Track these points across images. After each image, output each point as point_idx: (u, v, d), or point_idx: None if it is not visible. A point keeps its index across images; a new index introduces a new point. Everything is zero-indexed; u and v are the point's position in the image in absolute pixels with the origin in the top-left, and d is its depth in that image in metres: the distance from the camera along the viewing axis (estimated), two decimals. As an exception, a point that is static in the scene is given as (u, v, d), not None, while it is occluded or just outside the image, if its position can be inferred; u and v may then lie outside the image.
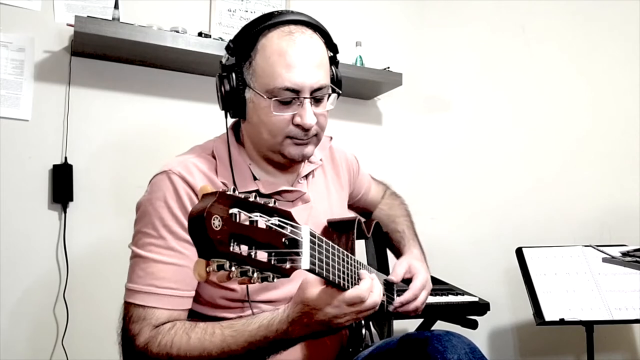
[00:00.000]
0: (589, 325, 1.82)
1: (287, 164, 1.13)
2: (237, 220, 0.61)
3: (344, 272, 0.86)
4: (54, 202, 1.80)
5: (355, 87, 2.20)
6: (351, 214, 1.28)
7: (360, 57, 2.19)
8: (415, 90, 2.46)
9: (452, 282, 2.15)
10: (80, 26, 1.67)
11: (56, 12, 1.83)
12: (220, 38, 1.89)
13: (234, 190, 0.62)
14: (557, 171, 2.31)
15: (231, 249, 0.59)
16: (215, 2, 2.09)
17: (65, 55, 1.84)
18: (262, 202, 0.66)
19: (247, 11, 2.15)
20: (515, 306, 2.29)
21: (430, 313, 1.89)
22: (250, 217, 0.63)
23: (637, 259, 1.27)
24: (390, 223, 1.43)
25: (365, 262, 1.08)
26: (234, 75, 1.06)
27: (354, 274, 0.90)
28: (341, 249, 0.87)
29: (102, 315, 1.79)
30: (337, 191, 1.30)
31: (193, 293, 1.04)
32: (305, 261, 0.71)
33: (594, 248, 1.89)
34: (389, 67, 2.22)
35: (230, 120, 1.15)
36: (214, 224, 0.57)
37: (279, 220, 0.67)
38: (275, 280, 0.66)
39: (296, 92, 1.02)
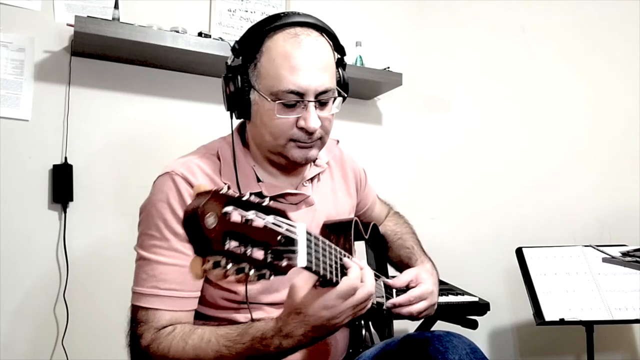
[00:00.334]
0: (589, 325, 1.82)
1: (289, 167, 1.12)
2: (232, 218, 0.61)
3: (341, 272, 0.86)
4: (54, 202, 1.79)
5: (355, 87, 2.18)
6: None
7: (360, 57, 2.19)
8: (415, 90, 2.46)
9: (452, 282, 2.15)
10: (80, 26, 1.67)
11: (56, 12, 1.83)
12: (220, 38, 1.89)
13: (228, 188, 0.63)
14: (557, 171, 2.31)
15: (226, 246, 0.59)
16: (215, 2, 2.09)
17: (65, 55, 1.84)
18: (257, 201, 0.66)
19: (247, 11, 2.15)
20: (515, 306, 2.29)
21: (431, 313, 1.89)
22: (245, 215, 0.63)
23: (637, 259, 1.27)
24: (397, 240, 1.42)
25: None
26: (239, 76, 1.05)
27: None
28: (338, 248, 0.86)
29: (102, 315, 1.79)
30: (344, 197, 1.29)
31: (198, 294, 1.04)
32: (301, 259, 0.71)
33: (594, 248, 1.89)
34: (389, 67, 2.22)
35: (236, 122, 1.15)
36: (208, 221, 0.58)
37: (274, 219, 0.67)
38: (272, 277, 0.65)
39: (300, 95, 1.01)
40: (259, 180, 1.11)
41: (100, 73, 1.89)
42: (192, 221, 0.58)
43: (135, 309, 1.02)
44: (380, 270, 1.31)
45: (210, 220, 0.58)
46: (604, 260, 1.37)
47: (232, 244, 0.60)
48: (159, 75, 1.98)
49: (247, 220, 0.63)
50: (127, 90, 1.93)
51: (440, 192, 2.47)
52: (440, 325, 1.97)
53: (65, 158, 1.81)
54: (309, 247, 0.74)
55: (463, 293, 2.01)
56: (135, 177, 1.88)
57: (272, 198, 1.08)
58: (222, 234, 0.59)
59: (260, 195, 1.08)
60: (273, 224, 0.66)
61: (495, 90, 2.44)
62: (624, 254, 1.31)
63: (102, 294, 1.81)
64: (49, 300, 1.77)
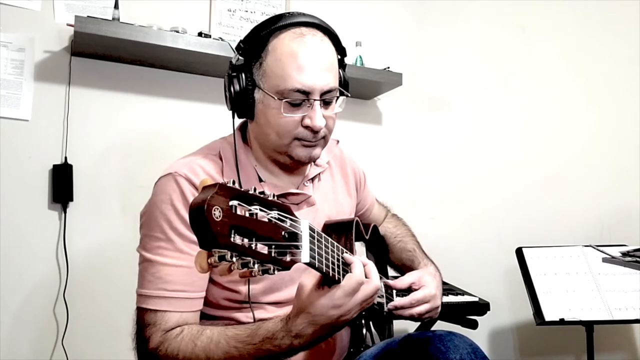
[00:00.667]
0: (589, 325, 1.82)
1: (293, 166, 1.13)
2: (237, 212, 0.61)
3: (343, 269, 0.86)
4: (54, 202, 1.79)
5: (355, 87, 2.17)
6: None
7: (360, 57, 2.19)
8: (415, 90, 2.46)
9: (452, 282, 2.15)
10: (80, 26, 1.67)
11: (56, 12, 1.83)
12: (220, 38, 1.89)
13: (234, 183, 0.63)
14: (557, 171, 2.31)
15: (232, 239, 0.59)
16: (215, 2, 2.09)
17: (65, 55, 1.84)
18: (262, 196, 0.66)
19: (247, 11, 2.15)
20: (515, 306, 2.29)
21: (431, 313, 1.89)
22: (250, 209, 0.63)
23: (637, 259, 1.27)
24: (397, 242, 1.42)
25: None
26: (243, 75, 1.05)
27: None
28: (340, 245, 0.86)
29: (102, 315, 1.79)
30: (344, 197, 1.29)
31: (203, 294, 1.04)
32: (305, 254, 0.71)
33: (594, 248, 1.89)
34: (389, 67, 2.22)
35: (238, 121, 1.15)
36: (214, 214, 0.58)
37: (278, 214, 0.67)
38: (275, 272, 0.66)
39: (306, 94, 1.02)
40: (260, 180, 1.11)
41: (100, 73, 1.89)
42: (198, 214, 0.58)
43: (141, 312, 1.01)
44: (380, 271, 1.31)
45: (217, 214, 0.58)
46: (604, 260, 1.37)
47: (237, 238, 0.60)
48: (159, 75, 1.98)
49: (252, 214, 0.63)
50: (127, 90, 1.93)
51: (440, 192, 2.47)
52: (440, 325, 1.97)
53: (65, 158, 1.81)
54: (312, 243, 0.74)
55: (463, 293, 2.01)
56: (136, 177, 1.88)
57: (274, 196, 1.09)
58: (229, 228, 0.59)
59: (262, 193, 1.08)
60: (277, 218, 0.67)
61: (495, 90, 2.44)
62: (624, 254, 1.31)
63: (102, 294, 1.81)
64: (49, 300, 1.77)
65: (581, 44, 2.31)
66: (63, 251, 1.78)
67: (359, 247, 1.23)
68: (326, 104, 1.06)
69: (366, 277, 0.89)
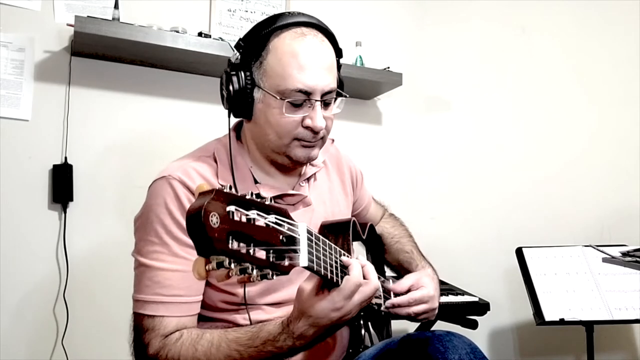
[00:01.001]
0: (589, 325, 1.82)
1: (291, 166, 1.12)
2: (235, 217, 0.61)
3: (342, 271, 0.86)
4: (54, 202, 1.79)
5: (355, 87, 2.20)
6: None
7: (360, 57, 2.19)
8: (415, 90, 2.46)
9: (452, 282, 2.15)
10: (80, 26, 1.67)
11: (56, 12, 1.83)
12: (220, 38, 1.89)
13: (230, 188, 0.62)
14: (557, 171, 2.31)
15: (230, 246, 0.59)
16: (215, 2, 2.09)
17: (65, 55, 1.84)
18: (259, 200, 0.66)
19: (247, 11, 2.15)
20: (515, 306, 2.29)
21: (431, 313, 1.89)
22: (247, 214, 0.63)
23: (637, 259, 1.27)
24: (394, 243, 1.41)
25: None
26: (242, 74, 1.04)
27: None
28: (337, 248, 0.86)
29: (102, 315, 1.79)
30: (341, 196, 1.29)
31: (200, 297, 1.04)
32: (303, 258, 0.71)
33: (594, 248, 1.89)
34: (389, 67, 2.22)
35: (233, 121, 1.14)
36: (211, 221, 0.57)
37: (275, 218, 0.67)
38: (274, 277, 0.65)
39: (308, 94, 1.01)
40: (256, 181, 1.11)
41: (100, 73, 1.89)
42: (195, 221, 0.57)
43: (139, 317, 1.00)
44: (378, 271, 1.31)
45: (214, 220, 0.57)
46: (604, 260, 1.37)
47: (235, 244, 0.60)
48: (159, 75, 1.98)
49: (249, 219, 0.63)
50: (127, 90, 1.93)
51: (440, 192, 2.47)
52: (440, 325, 1.97)
53: (65, 158, 1.81)
54: (310, 246, 0.74)
55: (463, 293, 2.01)
56: (136, 177, 1.88)
57: (270, 199, 1.08)
58: (226, 234, 0.59)
59: (258, 196, 1.08)
60: (275, 223, 0.66)
61: (495, 90, 2.44)
62: (624, 254, 1.31)
63: (102, 294, 1.81)
64: (48, 300, 1.77)
65: (581, 44, 2.31)
66: (63, 251, 1.78)
67: (358, 246, 1.24)
68: (326, 104, 1.06)
69: (364, 278, 0.89)
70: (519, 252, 1.99)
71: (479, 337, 2.21)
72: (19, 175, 1.76)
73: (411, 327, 2.15)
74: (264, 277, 0.64)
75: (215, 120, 1.89)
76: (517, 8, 2.41)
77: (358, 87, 2.23)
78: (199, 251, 0.59)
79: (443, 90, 2.51)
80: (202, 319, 1.06)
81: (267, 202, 0.67)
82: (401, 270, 1.37)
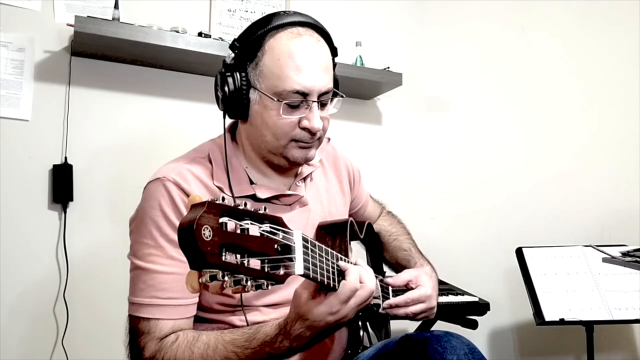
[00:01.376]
0: (589, 325, 1.82)
1: (288, 167, 1.12)
2: (228, 229, 0.60)
3: (338, 275, 0.85)
4: (54, 202, 1.80)
5: (355, 87, 2.20)
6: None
7: (360, 57, 2.19)
8: (415, 90, 2.46)
9: (452, 282, 2.15)
10: (80, 26, 1.67)
11: (56, 12, 1.83)
12: (220, 38, 1.89)
13: (223, 200, 0.61)
14: (557, 171, 2.31)
15: (223, 258, 0.58)
16: (215, 2, 2.09)
17: (65, 55, 1.84)
18: (253, 210, 0.65)
19: (247, 11, 2.15)
20: (515, 306, 2.29)
21: (430, 313, 1.89)
22: (241, 225, 0.62)
23: (637, 259, 1.27)
24: (392, 241, 1.41)
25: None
26: (238, 74, 1.03)
27: None
28: (334, 252, 0.86)
29: (102, 315, 1.79)
30: (338, 195, 1.29)
31: (196, 299, 1.03)
32: (299, 266, 0.70)
33: (594, 248, 1.89)
34: (389, 67, 2.22)
35: (228, 122, 1.13)
36: (204, 234, 0.56)
37: (270, 227, 0.66)
38: (270, 287, 0.65)
39: (305, 95, 1.01)
40: (251, 182, 1.10)
41: (100, 73, 1.89)
42: (187, 235, 0.56)
43: (135, 320, 1.00)
44: (375, 269, 1.31)
45: (207, 233, 0.57)
46: (604, 260, 1.37)
47: (228, 256, 0.59)
48: (159, 75, 1.98)
49: (243, 230, 0.62)
50: (127, 90, 1.93)
51: (440, 192, 2.47)
52: (440, 325, 1.97)
53: (65, 158, 1.81)
54: (305, 253, 0.73)
55: (463, 293, 2.01)
56: (135, 177, 1.86)
57: (266, 200, 1.08)
58: (219, 246, 0.58)
59: (253, 197, 1.07)
60: (269, 232, 0.66)
61: (495, 90, 2.44)
62: (624, 254, 1.31)
63: (102, 294, 1.81)
64: (48, 300, 1.77)
65: (581, 44, 2.31)
66: (63, 251, 1.78)
67: (356, 245, 1.23)
68: (322, 105, 1.05)
69: (361, 282, 0.88)
70: (519, 252, 1.99)
71: (478, 337, 2.21)
72: (19, 175, 1.76)
73: (411, 326, 2.15)
74: (258, 287, 0.64)
75: (216, 120, 1.89)
76: (517, 8, 2.41)
77: (358, 87, 2.23)
78: (191, 265, 0.58)
79: (443, 90, 2.51)
80: (198, 321, 1.06)
81: (261, 211, 0.66)
82: (399, 268, 1.36)
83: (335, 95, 1.09)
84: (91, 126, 1.87)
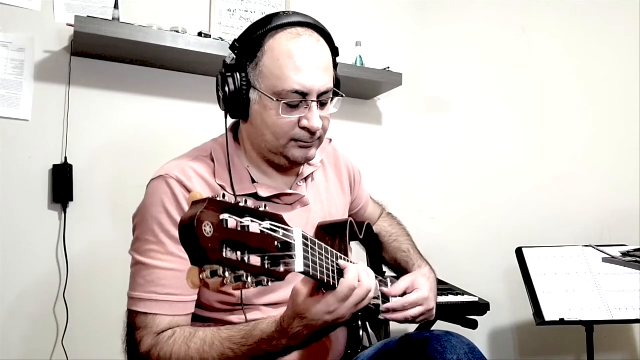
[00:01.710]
0: (589, 325, 1.81)
1: (288, 167, 1.12)
2: (229, 226, 0.60)
3: (337, 273, 0.86)
4: (54, 202, 1.80)
5: (355, 87, 2.20)
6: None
7: (360, 57, 2.19)
8: (415, 90, 2.46)
9: (452, 282, 2.15)
10: (80, 26, 1.67)
11: (56, 12, 1.83)
12: (220, 38, 1.89)
13: (224, 197, 0.62)
14: (557, 171, 2.31)
15: (223, 254, 0.59)
16: (215, 2, 2.09)
17: (65, 55, 1.84)
18: (253, 207, 0.65)
19: (247, 11, 2.15)
20: (515, 306, 2.29)
21: (430, 313, 1.89)
22: (241, 222, 0.63)
23: (637, 259, 1.27)
24: (392, 242, 1.41)
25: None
26: (238, 75, 1.04)
27: None
28: (334, 251, 0.86)
29: (102, 315, 1.79)
30: (339, 195, 1.29)
31: (195, 297, 1.04)
32: (299, 264, 0.71)
33: (594, 248, 1.89)
34: (389, 67, 2.22)
35: (230, 121, 1.14)
36: (205, 230, 0.57)
37: (270, 224, 0.67)
38: (270, 284, 0.65)
39: (304, 95, 1.01)
40: (253, 181, 1.10)
41: (100, 73, 1.89)
42: (188, 231, 0.57)
43: (132, 314, 1.01)
44: (374, 270, 1.31)
45: (207, 229, 0.57)
46: (604, 260, 1.37)
47: (229, 252, 0.60)
48: (159, 75, 1.98)
49: (243, 227, 0.62)
50: (127, 90, 1.93)
51: (440, 192, 2.47)
52: (440, 325, 1.97)
53: (65, 158, 1.81)
54: (305, 251, 0.73)
55: (463, 293, 2.01)
56: (135, 177, 1.87)
57: (267, 199, 1.08)
58: (220, 243, 0.58)
59: (255, 196, 1.08)
60: (270, 229, 0.66)
61: (495, 90, 2.44)
62: (624, 254, 1.31)
63: (102, 294, 1.81)
64: (48, 300, 1.78)
65: (581, 44, 2.31)
66: (63, 251, 1.78)
67: (356, 246, 1.23)
68: (322, 104, 1.06)
69: (359, 281, 0.88)
70: (519, 252, 1.99)
71: (479, 337, 2.21)
72: (19, 175, 1.76)
73: (411, 326, 2.15)
74: (259, 284, 0.64)
75: (215, 120, 1.89)
76: (517, 8, 2.41)
77: (358, 87, 2.23)
78: (192, 261, 0.59)
79: (443, 90, 2.51)
80: (198, 319, 1.06)
81: (262, 209, 0.67)
82: (399, 269, 1.37)
83: (335, 94, 1.09)
84: (91, 126, 1.87)
